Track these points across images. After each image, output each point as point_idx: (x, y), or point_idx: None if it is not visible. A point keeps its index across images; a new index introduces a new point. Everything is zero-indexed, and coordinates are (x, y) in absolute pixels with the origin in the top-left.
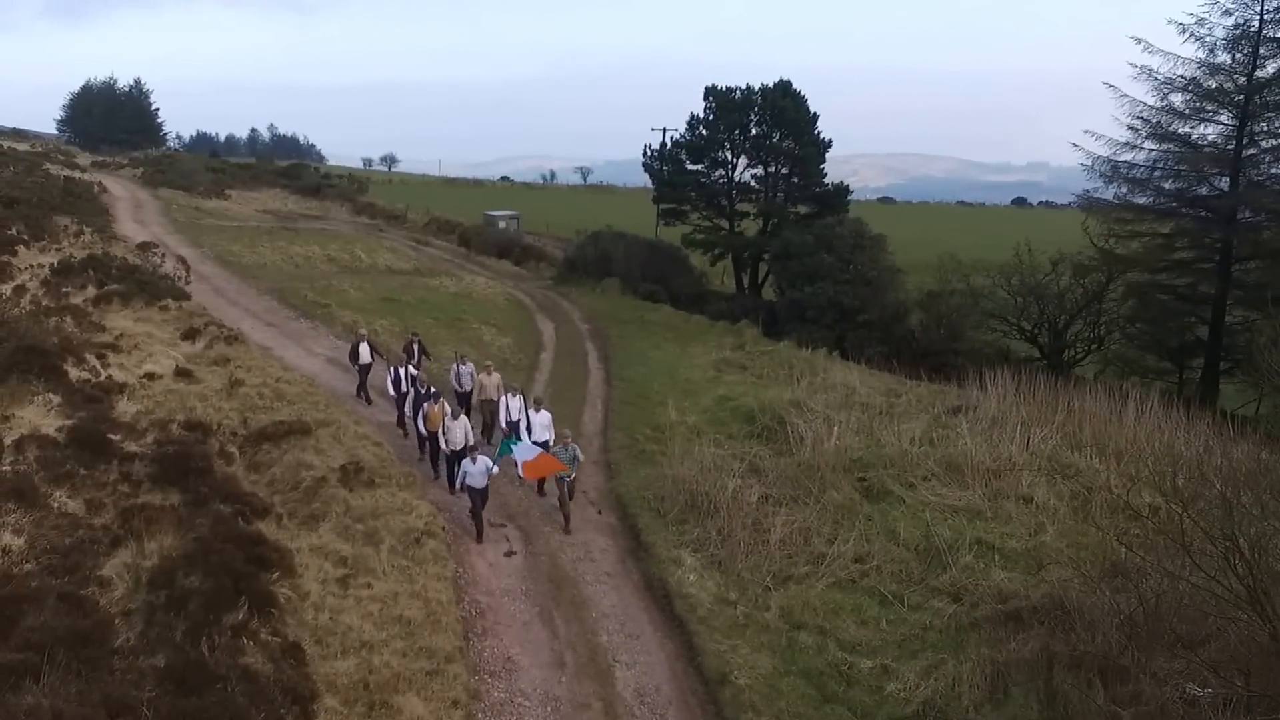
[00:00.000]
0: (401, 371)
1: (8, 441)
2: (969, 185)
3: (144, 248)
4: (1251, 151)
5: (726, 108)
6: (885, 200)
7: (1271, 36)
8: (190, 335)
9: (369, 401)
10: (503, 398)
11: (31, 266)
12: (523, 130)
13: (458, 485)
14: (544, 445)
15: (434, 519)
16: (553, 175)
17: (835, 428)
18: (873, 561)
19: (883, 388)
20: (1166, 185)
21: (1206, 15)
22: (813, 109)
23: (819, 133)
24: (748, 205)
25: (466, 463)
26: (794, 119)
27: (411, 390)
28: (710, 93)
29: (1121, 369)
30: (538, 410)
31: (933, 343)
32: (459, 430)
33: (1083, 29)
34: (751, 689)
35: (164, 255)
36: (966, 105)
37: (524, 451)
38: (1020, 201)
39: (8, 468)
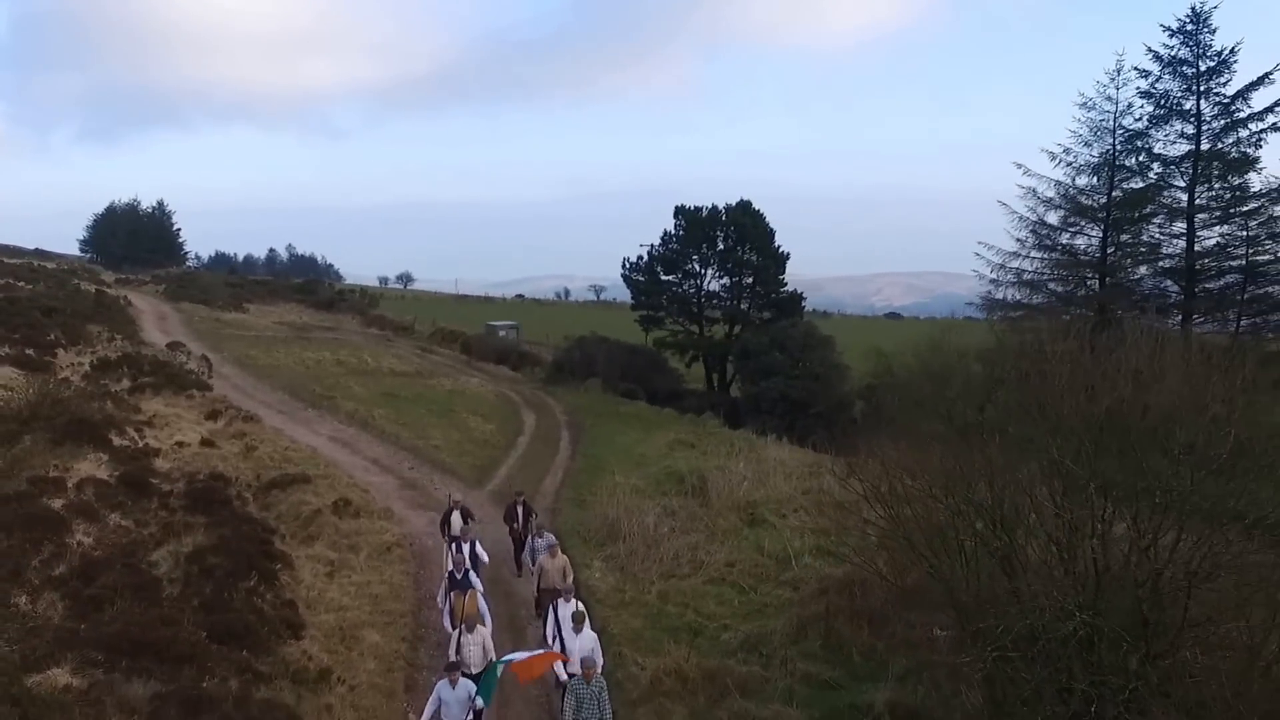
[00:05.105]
0: (454, 549)
1: (70, 484)
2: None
3: (172, 347)
4: (1116, 258)
5: (694, 224)
6: (892, 316)
7: (1122, 164)
8: (213, 415)
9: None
10: (555, 602)
11: (71, 364)
12: (542, 249)
13: (428, 714)
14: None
15: (403, 539)
16: (567, 293)
17: (745, 481)
18: (740, 565)
19: (808, 461)
20: (1052, 287)
21: (1071, 146)
22: (773, 226)
23: (778, 246)
24: (715, 311)
25: (442, 686)
26: (754, 234)
27: (446, 578)
28: (679, 212)
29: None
30: (579, 630)
31: (870, 428)
32: (474, 644)
33: None
34: (621, 636)
35: (189, 354)
36: (994, 223)
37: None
38: None
39: (73, 498)
